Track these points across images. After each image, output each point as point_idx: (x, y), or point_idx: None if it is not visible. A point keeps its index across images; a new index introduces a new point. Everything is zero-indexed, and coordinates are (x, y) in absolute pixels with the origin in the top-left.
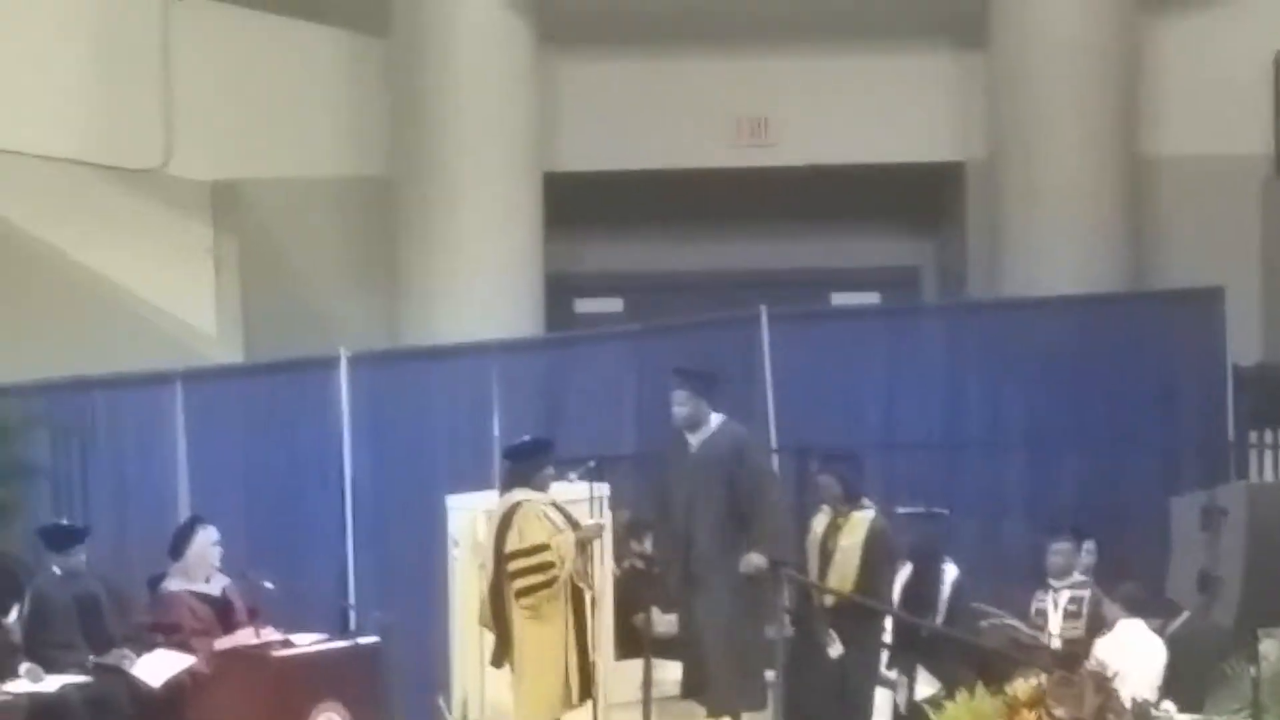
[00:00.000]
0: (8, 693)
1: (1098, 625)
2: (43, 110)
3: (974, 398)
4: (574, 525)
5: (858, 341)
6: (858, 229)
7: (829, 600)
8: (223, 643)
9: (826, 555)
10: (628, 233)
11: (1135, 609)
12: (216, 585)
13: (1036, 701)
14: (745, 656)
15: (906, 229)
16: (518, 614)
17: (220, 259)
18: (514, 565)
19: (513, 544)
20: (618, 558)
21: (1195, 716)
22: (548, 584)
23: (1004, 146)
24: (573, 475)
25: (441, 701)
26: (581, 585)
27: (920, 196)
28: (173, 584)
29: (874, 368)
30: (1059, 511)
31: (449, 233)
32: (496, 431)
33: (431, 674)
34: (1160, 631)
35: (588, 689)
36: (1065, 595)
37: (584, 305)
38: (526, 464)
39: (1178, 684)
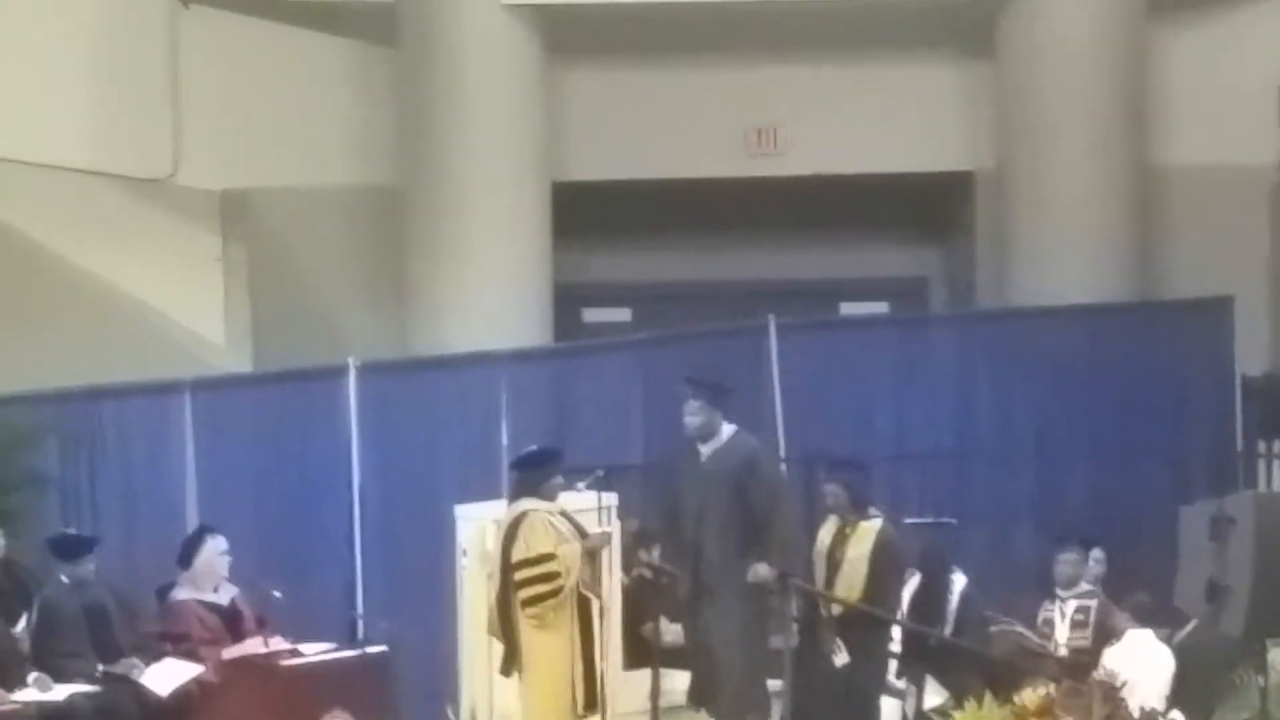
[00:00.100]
0: (16, 702)
1: (1105, 635)
2: (51, 120)
3: (982, 407)
4: (582, 535)
5: (866, 351)
6: (866, 239)
7: (836, 609)
8: (231, 652)
9: (834, 565)
10: (636, 242)
11: (1144, 619)
12: (225, 595)
13: (1045, 711)
14: (752, 666)
15: (915, 239)
16: (524, 623)
17: (229, 268)
18: (520, 575)
19: (519, 554)
20: (626, 567)
21: None
22: (553, 594)
23: (1013, 156)
24: (581, 484)
25: (450, 711)
26: (589, 595)
27: (929, 206)
28: (181, 593)
29: (882, 377)
30: (1067, 521)
31: (457, 242)
32: (505, 441)
33: (440, 683)
34: (1167, 641)
35: (594, 699)
36: (1072, 605)
37: (592, 315)
38: (534, 473)
39: (1186, 693)
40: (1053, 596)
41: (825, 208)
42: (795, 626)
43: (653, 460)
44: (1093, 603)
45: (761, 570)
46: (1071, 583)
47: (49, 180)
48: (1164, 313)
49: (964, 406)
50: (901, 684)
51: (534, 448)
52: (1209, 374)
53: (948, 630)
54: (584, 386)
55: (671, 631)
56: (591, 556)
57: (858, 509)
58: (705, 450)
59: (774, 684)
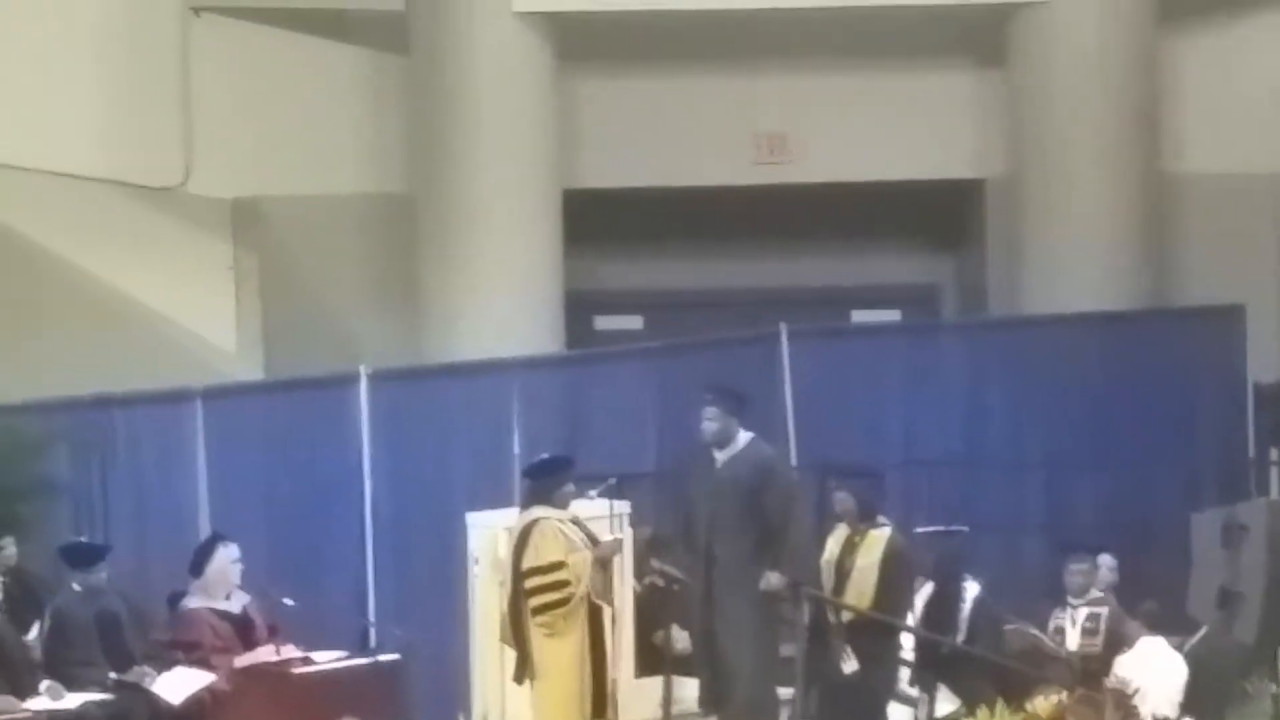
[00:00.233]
0: (28, 710)
1: (1117, 642)
2: (63, 128)
3: (994, 415)
4: (593, 542)
5: (878, 359)
6: (878, 246)
7: (845, 617)
8: (243, 660)
9: (843, 574)
10: (647, 250)
11: (1156, 626)
12: (237, 603)
13: (1057, 718)
14: (764, 673)
15: (926, 246)
16: (535, 631)
17: (240, 276)
18: (530, 583)
19: (529, 561)
20: (638, 575)
21: None
22: (563, 602)
23: (1024, 164)
24: (593, 492)
25: (462, 718)
26: (600, 603)
27: (940, 214)
28: (193, 601)
29: (894, 385)
30: (1078, 530)
31: (469, 250)
32: (516, 449)
33: (452, 691)
34: (1179, 648)
35: (602, 707)
36: (1083, 612)
37: (604, 322)
38: (546, 481)
39: (1198, 701)
40: (1064, 604)
41: (836, 215)
42: (805, 634)
43: (665, 468)
44: (1104, 610)
45: (773, 578)
46: (1082, 591)
47: (60, 188)
48: (1175, 320)
49: (975, 414)
50: (913, 691)
51: (546, 455)
52: (1220, 381)
53: (960, 638)
54: (596, 394)
55: (683, 639)
56: (603, 564)
57: (866, 517)
58: (721, 457)
59: (784, 692)
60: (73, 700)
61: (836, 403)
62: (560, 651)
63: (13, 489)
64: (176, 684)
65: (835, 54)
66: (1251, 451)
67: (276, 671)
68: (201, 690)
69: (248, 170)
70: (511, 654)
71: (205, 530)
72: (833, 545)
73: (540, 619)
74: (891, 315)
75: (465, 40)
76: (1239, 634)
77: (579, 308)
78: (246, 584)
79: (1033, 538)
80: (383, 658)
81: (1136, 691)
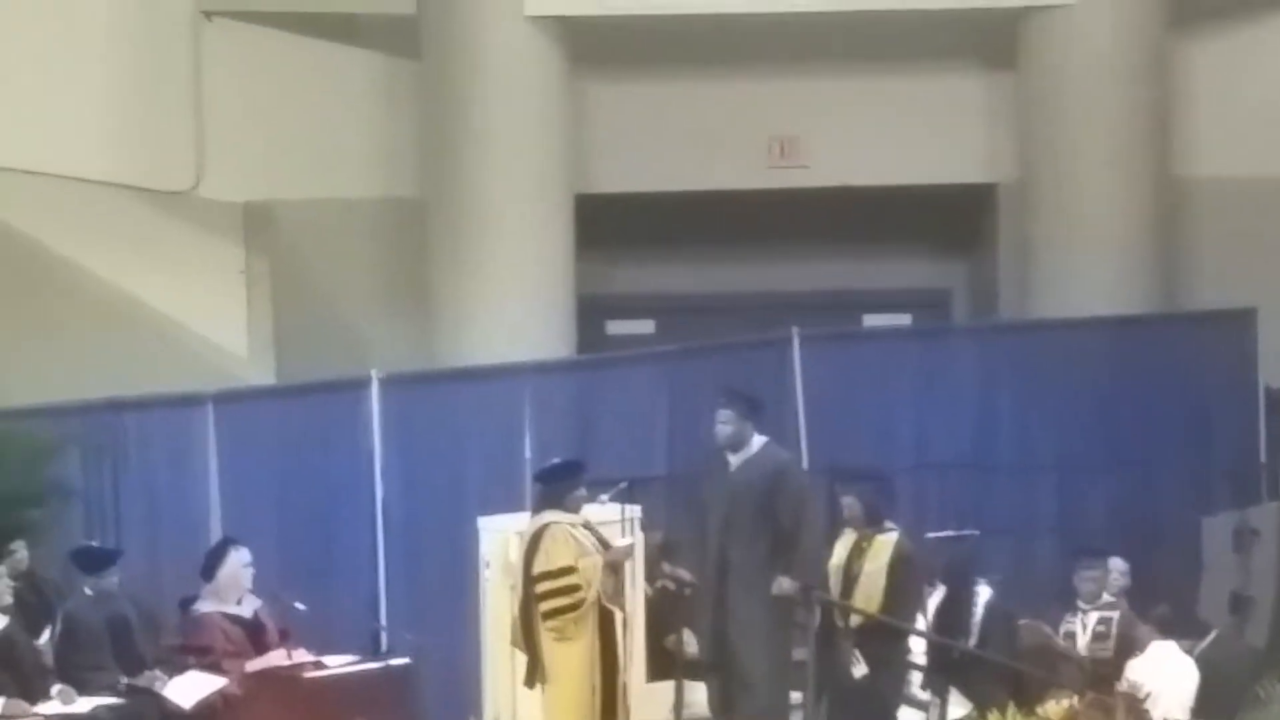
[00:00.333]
0: (40, 714)
1: (1128, 646)
2: (74, 132)
3: (1005, 419)
4: (604, 547)
5: (889, 363)
6: (889, 251)
7: (853, 622)
8: (254, 664)
9: (851, 578)
10: (659, 254)
11: (1168, 630)
12: (248, 607)
13: None
14: (776, 677)
15: (938, 250)
16: (546, 635)
17: (252, 280)
18: (541, 587)
19: (540, 566)
20: (650, 579)
21: None
22: (574, 606)
23: (1035, 168)
24: (604, 496)
25: None
26: (611, 607)
27: (952, 218)
28: (204, 605)
29: (905, 389)
30: (1090, 534)
31: (480, 254)
32: (528, 453)
33: (463, 695)
34: (1189, 652)
35: (613, 711)
36: (1094, 617)
37: (616, 327)
38: (558, 486)
39: (1209, 705)
40: (1074, 609)
41: (848, 220)
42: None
43: (676, 472)
44: (1114, 614)
45: (785, 583)
46: (1094, 597)
47: (72, 192)
48: (1187, 324)
49: (986, 418)
50: (925, 695)
51: (557, 460)
52: (1232, 385)
53: (973, 642)
54: (607, 398)
55: (695, 643)
56: (614, 569)
57: (873, 522)
58: (735, 460)
59: (794, 696)
60: (84, 704)
61: (848, 407)
62: (571, 656)
63: (24, 493)
64: (188, 688)
65: (847, 58)
66: (1263, 455)
67: (288, 676)
68: (213, 694)
69: (259, 174)
70: (522, 658)
71: (216, 534)
72: (840, 550)
73: (551, 623)
74: (903, 319)
75: (477, 44)
76: (1250, 638)
77: (591, 312)
78: (258, 588)
79: (1044, 541)
80: (394, 662)
81: (1148, 696)
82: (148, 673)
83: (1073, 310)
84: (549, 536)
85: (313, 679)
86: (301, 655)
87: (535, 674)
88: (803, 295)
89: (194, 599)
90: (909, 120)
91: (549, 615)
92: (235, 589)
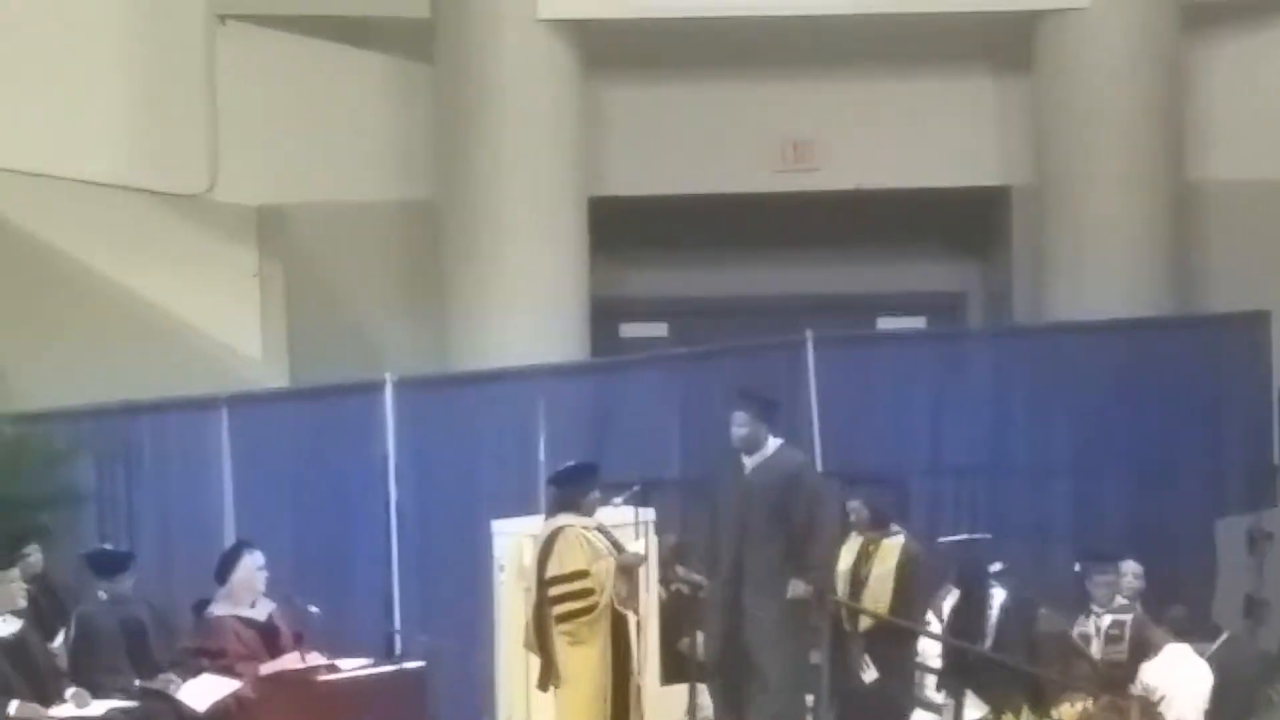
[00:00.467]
0: (54, 717)
1: (1142, 649)
2: (89, 136)
3: (1019, 422)
4: (618, 550)
5: (903, 366)
6: (903, 253)
7: (862, 626)
8: (268, 667)
9: (858, 583)
10: (673, 257)
11: (1182, 633)
12: (262, 610)
13: None
14: (792, 681)
15: (952, 253)
16: (559, 638)
17: (265, 283)
18: (554, 591)
19: (553, 570)
20: (663, 582)
21: None
22: (587, 610)
23: (1050, 171)
24: (618, 499)
25: None
26: (624, 611)
27: (966, 221)
28: (218, 609)
29: (919, 392)
30: (1104, 538)
31: (494, 257)
32: (542, 456)
33: (477, 698)
34: (1200, 654)
35: (624, 714)
36: (1108, 620)
37: (629, 330)
38: (572, 489)
39: (1223, 708)
40: (1088, 612)
41: (862, 222)
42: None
43: (690, 475)
44: (1128, 617)
45: (799, 586)
46: (1108, 601)
47: (86, 196)
48: (1200, 327)
49: (1000, 421)
50: (939, 698)
51: (571, 463)
52: (1245, 388)
53: (988, 644)
54: (621, 401)
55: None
56: (627, 572)
57: (879, 525)
58: (750, 463)
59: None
60: (98, 707)
61: (862, 410)
62: (584, 659)
63: (38, 497)
64: (202, 691)
65: (861, 61)
66: (1277, 458)
67: (302, 679)
68: (227, 697)
69: (273, 177)
70: (536, 661)
71: (230, 537)
72: (847, 555)
73: (564, 627)
74: (917, 322)
75: (491, 47)
76: (1265, 642)
77: (604, 315)
78: (272, 591)
79: (1058, 544)
80: (408, 665)
81: (1162, 699)
82: (161, 676)
83: (1086, 313)
84: (563, 540)
85: (326, 682)
86: (315, 658)
87: (548, 677)
88: (816, 298)
89: (208, 602)
90: (923, 123)
91: (562, 618)
92: (249, 592)
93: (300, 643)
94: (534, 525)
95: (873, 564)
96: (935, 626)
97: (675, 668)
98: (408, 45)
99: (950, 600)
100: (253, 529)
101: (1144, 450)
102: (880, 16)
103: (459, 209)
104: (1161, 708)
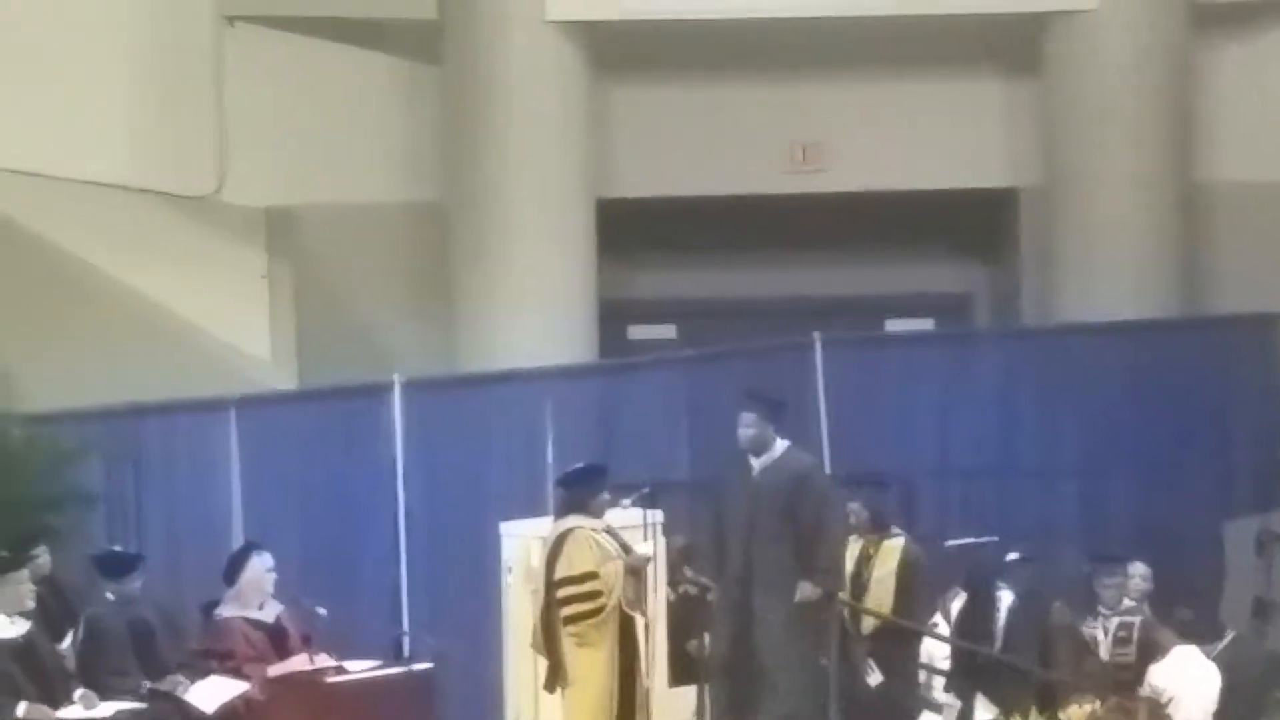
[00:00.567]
0: (63, 719)
1: (1150, 651)
2: (96, 137)
3: (1027, 424)
4: (627, 551)
5: (911, 368)
6: (911, 255)
7: (866, 629)
8: (276, 669)
9: (860, 585)
10: (681, 259)
11: (1190, 635)
12: (270, 612)
13: None
14: (802, 684)
15: (960, 255)
16: (567, 640)
17: (274, 285)
18: (562, 593)
19: (562, 571)
20: (672, 583)
21: None
22: (595, 612)
23: (1058, 172)
24: (626, 501)
25: None
26: (632, 612)
27: (974, 222)
28: (226, 610)
29: (928, 394)
30: (1111, 539)
31: (502, 259)
32: (550, 458)
33: (485, 700)
34: (1207, 655)
35: (631, 716)
36: (1115, 622)
37: (637, 331)
38: (580, 490)
39: (1230, 709)
40: (1096, 614)
41: (870, 224)
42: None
43: (698, 476)
44: (1136, 619)
45: (806, 588)
46: (1115, 603)
47: (94, 197)
48: (1208, 329)
49: (1008, 423)
50: (946, 698)
51: (579, 464)
52: (1254, 390)
53: (998, 646)
54: (629, 403)
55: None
56: (635, 574)
57: (879, 527)
58: (757, 464)
59: None
60: (106, 709)
61: (870, 411)
62: (591, 661)
63: (47, 498)
64: (210, 693)
65: (869, 62)
66: None
67: (310, 681)
68: (235, 699)
69: (281, 179)
70: (543, 663)
71: (239, 539)
72: (848, 557)
73: (572, 629)
74: (925, 324)
75: (499, 49)
76: (1272, 643)
77: (613, 317)
78: (280, 593)
79: (1066, 546)
80: (416, 667)
81: (1170, 700)
82: (170, 677)
83: (1094, 314)
84: (571, 541)
85: (335, 684)
86: (323, 660)
87: (556, 679)
88: (825, 300)
89: (216, 603)
90: (931, 125)
91: (570, 620)
92: (257, 593)
93: (308, 644)
94: (542, 527)
95: (873, 566)
96: (943, 629)
97: (683, 669)
98: (416, 47)
99: (958, 602)
100: (261, 530)
101: (1152, 452)
102: (888, 19)
103: (467, 210)
104: (1169, 709)
